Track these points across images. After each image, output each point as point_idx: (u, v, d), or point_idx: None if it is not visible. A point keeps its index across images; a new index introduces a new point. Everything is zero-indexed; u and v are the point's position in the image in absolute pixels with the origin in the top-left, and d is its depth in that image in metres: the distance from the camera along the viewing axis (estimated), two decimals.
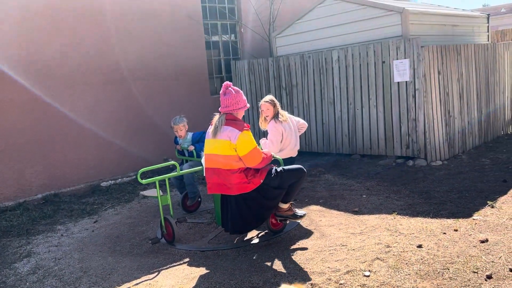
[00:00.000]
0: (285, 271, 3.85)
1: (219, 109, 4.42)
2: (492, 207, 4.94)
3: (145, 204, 6.61)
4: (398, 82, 7.12)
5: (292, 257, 4.13)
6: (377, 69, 7.34)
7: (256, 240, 4.66)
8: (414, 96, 6.96)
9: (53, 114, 7.33)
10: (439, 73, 7.14)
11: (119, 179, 8.07)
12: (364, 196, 5.83)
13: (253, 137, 4.31)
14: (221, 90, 4.40)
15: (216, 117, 4.39)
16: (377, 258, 3.90)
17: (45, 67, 7.21)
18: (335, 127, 8.07)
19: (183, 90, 9.09)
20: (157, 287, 3.83)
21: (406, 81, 7.02)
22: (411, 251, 3.99)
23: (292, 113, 8.51)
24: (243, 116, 7.44)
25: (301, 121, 5.76)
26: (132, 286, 3.90)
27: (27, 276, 4.34)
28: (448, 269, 3.57)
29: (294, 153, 5.56)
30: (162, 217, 4.80)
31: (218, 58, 10.17)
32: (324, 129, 8.24)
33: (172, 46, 8.87)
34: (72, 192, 7.50)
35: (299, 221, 4.86)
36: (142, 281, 3.97)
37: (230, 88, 4.39)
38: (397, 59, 7.06)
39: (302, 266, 3.90)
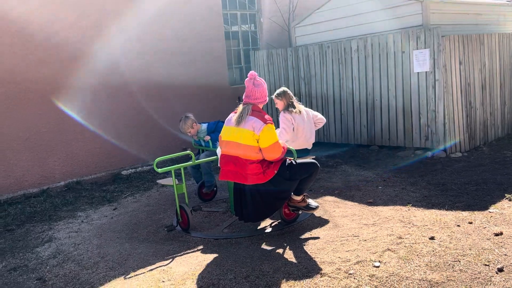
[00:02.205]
0: (295, 261, 3.89)
1: (245, 98, 4.41)
2: (510, 200, 4.86)
3: (163, 192, 6.74)
4: (418, 73, 7.01)
5: (304, 246, 4.17)
6: (396, 59, 7.25)
7: (269, 229, 4.72)
8: (434, 87, 6.86)
9: (75, 103, 7.51)
10: (460, 63, 7.00)
11: (139, 168, 8.22)
12: (380, 187, 5.81)
13: (275, 131, 4.36)
14: (248, 80, 4.40)
15: (241, 106, 4.40)
16: (388, 249, 3.90)
17: (68, 59, 7.40)
18: (354, 118, 8.02)
19: (202, 80, 9.16)
20: (171, 273, 3.93)
21: (426, 72, 6.91)
22: (423, 242, 3.97)
23: (310, 104, 8.50)
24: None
25: (319, 115, 5.73)
26: (147, 271, 4.01)
27: (48, 260, 4.51)
28: (459, 261, 3.55)
29: (308, 145, 5.56)
30: (177, 206, 4.90)
31: (237, 48, 10.19)
32: (342, 119, 8.20)
33: (191, 36, 8.94)
34: (93, 180, 7.69)
35: (312, 212, 4.88)
36: (157, 267, 4.08)
37: (258, 79, 4.42)
38: (417, 49, 6.95)
39: (313, 256, 3.94)
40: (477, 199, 5.02)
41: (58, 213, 6.11)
